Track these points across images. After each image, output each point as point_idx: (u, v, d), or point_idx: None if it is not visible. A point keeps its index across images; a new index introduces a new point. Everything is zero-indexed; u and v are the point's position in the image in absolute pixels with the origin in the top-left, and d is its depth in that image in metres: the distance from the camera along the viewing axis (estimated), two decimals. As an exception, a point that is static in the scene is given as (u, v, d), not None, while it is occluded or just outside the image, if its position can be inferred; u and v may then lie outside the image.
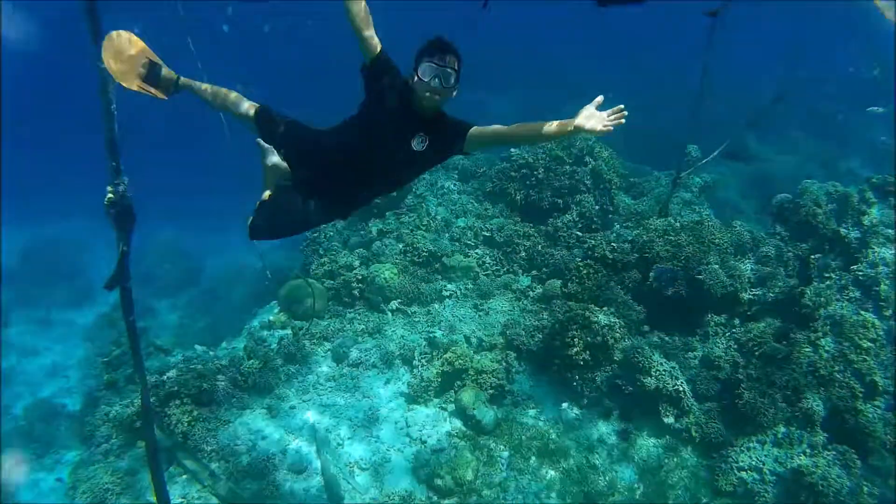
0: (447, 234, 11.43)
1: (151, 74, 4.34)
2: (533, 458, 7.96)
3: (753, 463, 7.71)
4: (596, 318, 8.47)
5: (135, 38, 4.39)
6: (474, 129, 3.80)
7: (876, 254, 9.48)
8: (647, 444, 8.16)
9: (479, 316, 10.08)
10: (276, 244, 16.38)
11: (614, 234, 10.55)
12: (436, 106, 3.72)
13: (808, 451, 7.79)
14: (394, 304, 10.30)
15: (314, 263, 10.93)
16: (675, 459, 7.97)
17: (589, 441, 8.17)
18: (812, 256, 9.46)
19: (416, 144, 3.83)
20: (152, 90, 4.39)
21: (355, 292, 10.44)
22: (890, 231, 9.85)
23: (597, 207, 11.66)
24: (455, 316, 10.06)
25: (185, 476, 7.69)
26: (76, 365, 12.38)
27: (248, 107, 4.26)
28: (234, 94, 4.35)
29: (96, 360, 10.98)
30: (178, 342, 11.80)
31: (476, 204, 12.13)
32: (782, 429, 7.93)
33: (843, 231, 9.80)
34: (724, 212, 12.69)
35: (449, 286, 10.61)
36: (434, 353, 9.17)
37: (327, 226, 11.74)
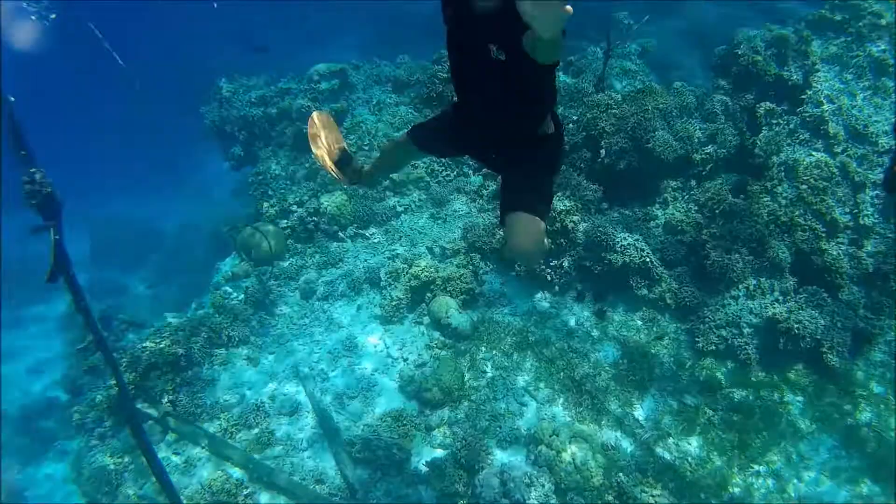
0: (391, 147, 10.98)
1: (342, 160, 4.74)
2: (515, 353, 7.95)
3: (730, 319, 7.80)
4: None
5: (332, 121, 4.92)
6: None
7: (819, 92, 9.40)
8: (624, 320, 8.21)
9: (438, 224, 9.87)
10: (230, 193, 15.99)
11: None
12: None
13: (780, 298, 7.90)
14: (351, 231, 10.03)
15: (264, 205, 10.52)
16: (655, 329, 8.05)
17: (567, 327, 8.18)
18: (758, 105, 9.35)
19: (495, 53, 2.76)
20: (340, 175, 4.75)
21: (310, 226, 10.12)
22: (829, 66, 9.77)
23: (537, 92, 11.26)
24: (413, 229, 9.83)
25: (182, 441, 7.58)
26: (57, 357, 12.15)
27: (401, 139, 4.21)
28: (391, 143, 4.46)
29: (74, 348, 10.78)
30: (154, 312, 11.54)
31: (415, 113, 11.64)
32: (752, 281, 8.00)
33: (785, 74, 9.67)
34: (669, 74, 12.38)
35: (402, 201, 10.34)
36: (399, 271, 8.99)
37: (273, 165, 11.39)
